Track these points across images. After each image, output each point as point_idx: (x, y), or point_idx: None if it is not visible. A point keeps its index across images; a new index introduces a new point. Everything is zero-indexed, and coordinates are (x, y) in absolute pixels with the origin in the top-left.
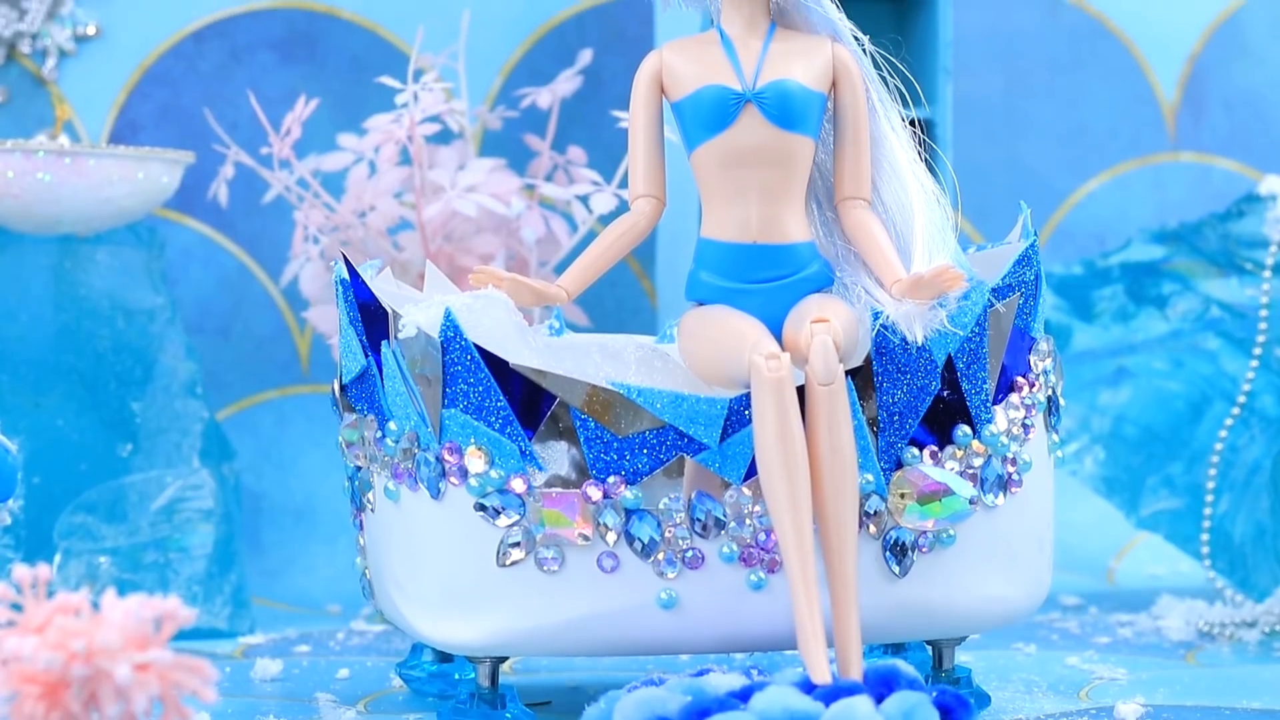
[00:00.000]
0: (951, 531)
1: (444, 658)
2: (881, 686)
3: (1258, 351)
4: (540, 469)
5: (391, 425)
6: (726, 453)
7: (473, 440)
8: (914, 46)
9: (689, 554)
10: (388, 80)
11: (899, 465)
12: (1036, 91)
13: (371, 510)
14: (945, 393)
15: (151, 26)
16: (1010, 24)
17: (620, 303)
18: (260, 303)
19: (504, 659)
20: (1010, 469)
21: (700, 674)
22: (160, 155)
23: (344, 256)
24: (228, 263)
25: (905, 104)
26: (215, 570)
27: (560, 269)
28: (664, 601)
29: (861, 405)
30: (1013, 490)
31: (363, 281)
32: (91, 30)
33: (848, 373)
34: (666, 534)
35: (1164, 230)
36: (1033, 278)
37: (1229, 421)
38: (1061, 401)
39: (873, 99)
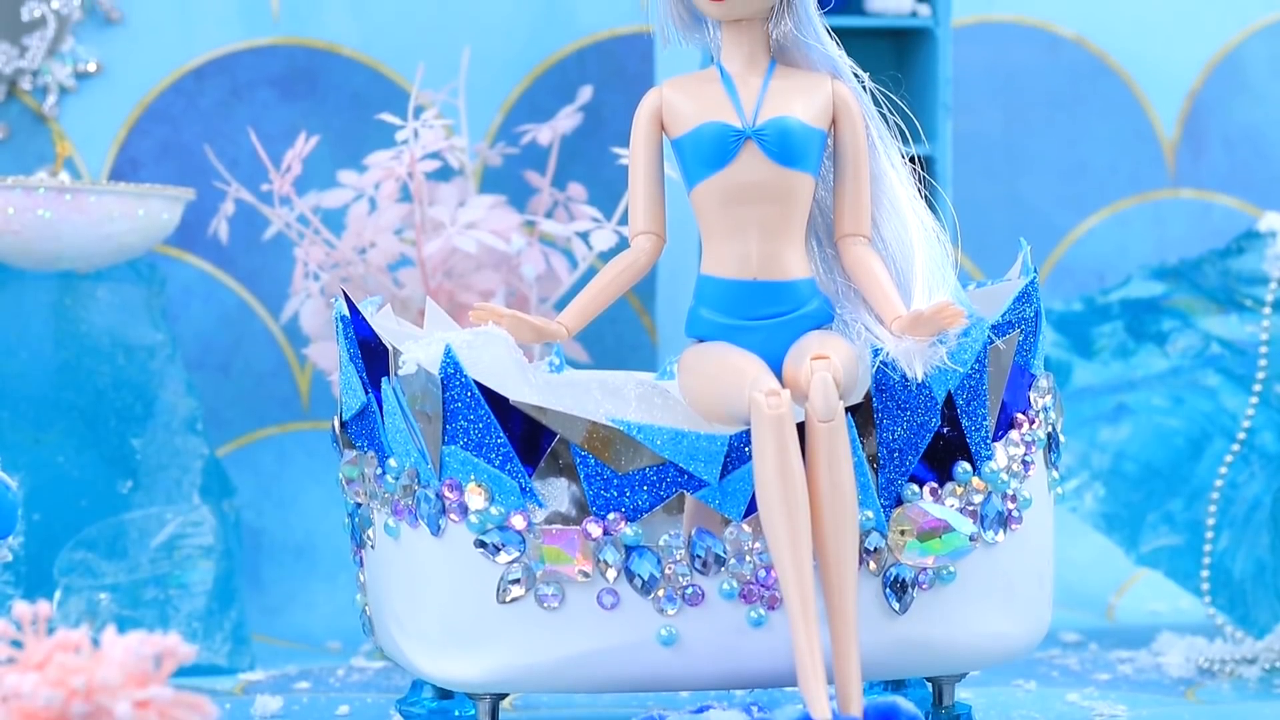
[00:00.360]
0: (952, 568)
1: (444, 694)
2: None
3: (1257, 388)
4: (540, 506)
5: (392, 462)
6: (727, 489)
7: (473, 477)
8: (914, 83)
9: (689, 591)
10: (388, 117)
11: (899, 502)
12: (1036, 128)
13: (372, 547)
14: (945, 429)
15: (152, 63)
16: (1010, 60)
17: (620, 339)
18: (260, 339)
19: (504, 696)
20: (1010, 506)
21: (701, 710)
22: (161, 192)
23: (344, 293)
24: (228, 299)
25: (905, 140)
26: (215, 607)
27: (560, 305)
28: (664, 638)
29: (861, 442)
30: (1013, 527)
31: (363, 318)
32: (92, 67)
33: (848, 409)
34: (667, 571)
35: (1164, 267)
36: (1032, 314)
37: (1229, 458)
38: (1061, 438)
39: (873, 136)
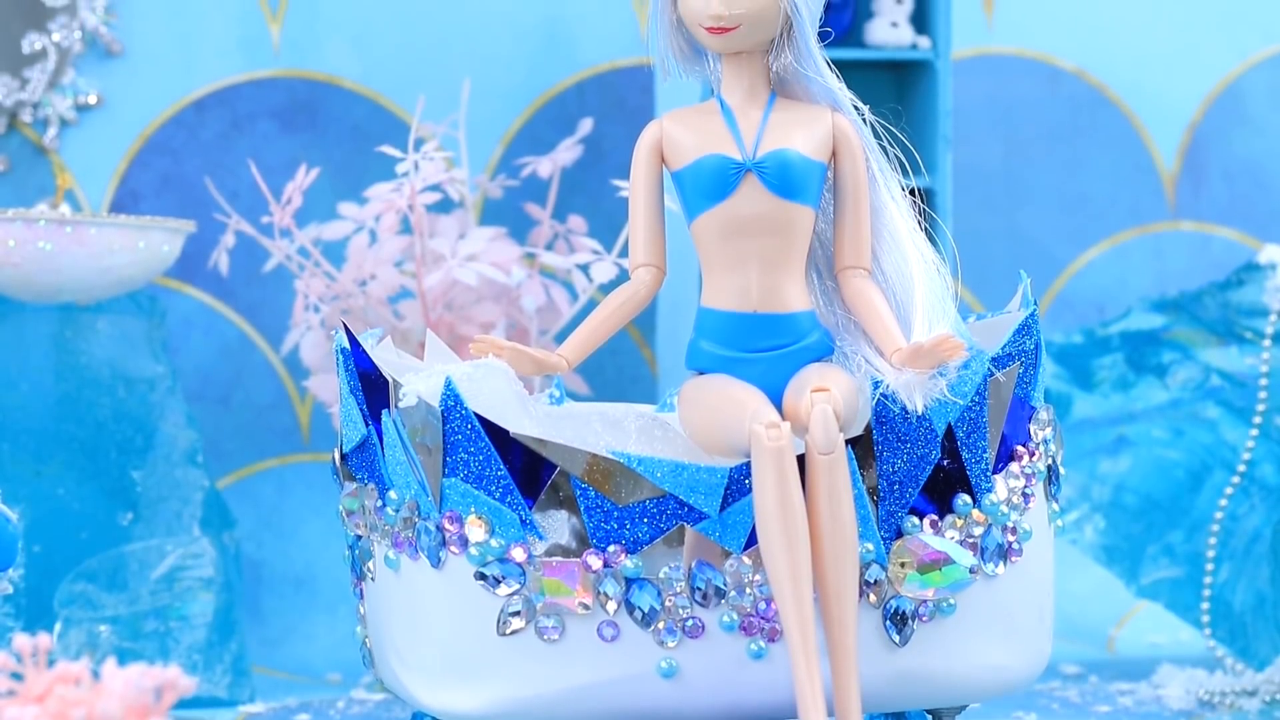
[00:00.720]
0: (952, 600)
1: None
2: None
3: (1258, 420)
4: (540, 538)
5: (392, 494)
6: (727, 522)
7: (473, 509)
8: (914, 116)
9: (689, 623)
10: (388, 149)
11: (899, 534)
12: (1036, 160)
13: (372, 579)
14: (945, 462)
15: (152, 96)
16: (1010, 93)
17: (620, 371)
18: (261, 371)
19: None
20: (1010, 538)
21: None
22: (161, 224)
23: (344, 325)
24: (228, 331)
25: (905, 173)
26: (215, 639)
27: (561, 338)
28: (664, 670)
29: (862, 474)
30: (1013, 559)
31: (363, 350)
32: (93, 99)
33: (848, 442)
34: (667, 603)
35: (1164, 299)
36: (1033, 347)
37: (1229, 490)
38: (1061, 470)
39: (873, 168)
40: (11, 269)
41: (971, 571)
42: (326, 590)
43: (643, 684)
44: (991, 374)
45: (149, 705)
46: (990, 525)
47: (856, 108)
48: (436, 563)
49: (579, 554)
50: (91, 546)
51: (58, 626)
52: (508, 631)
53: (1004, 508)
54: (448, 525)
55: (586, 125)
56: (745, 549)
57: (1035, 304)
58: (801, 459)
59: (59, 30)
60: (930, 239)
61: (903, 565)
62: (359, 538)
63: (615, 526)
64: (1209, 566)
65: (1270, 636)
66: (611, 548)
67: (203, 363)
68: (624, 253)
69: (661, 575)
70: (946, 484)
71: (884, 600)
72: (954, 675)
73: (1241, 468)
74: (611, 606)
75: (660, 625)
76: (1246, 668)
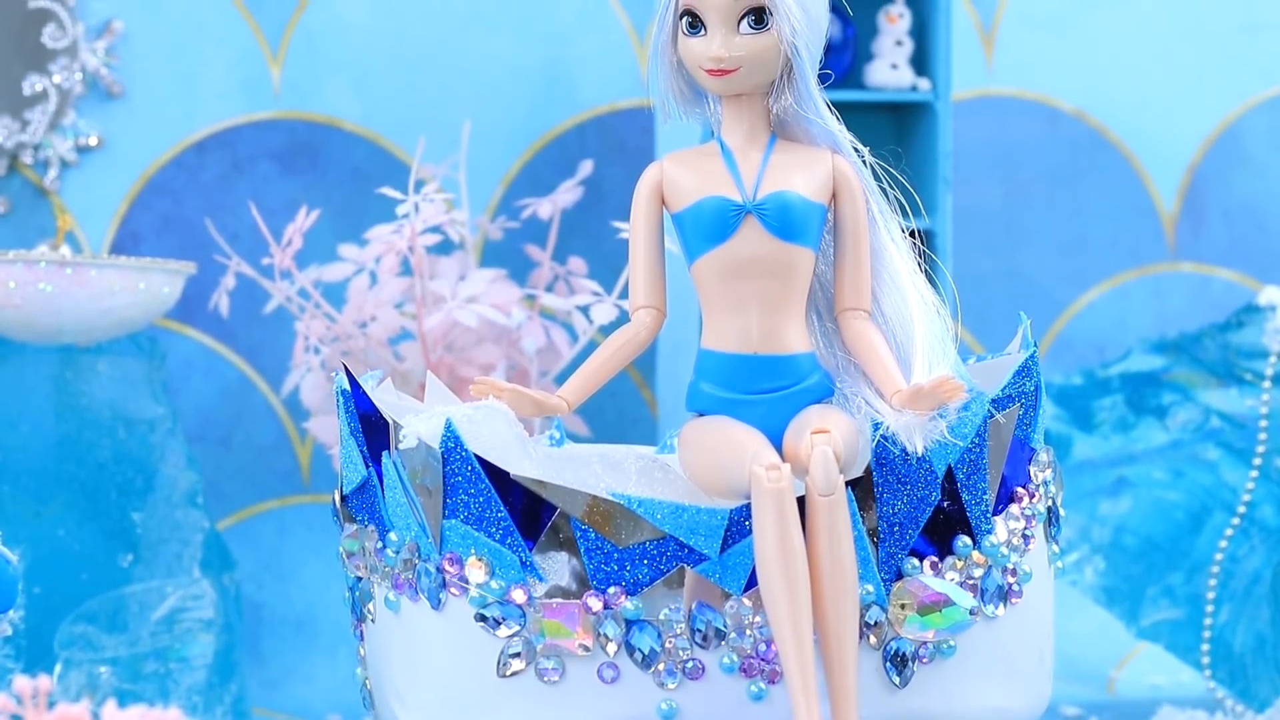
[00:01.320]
0: (952, 642)
1: None
2: None
3: (1258, 462)
4: (541, 579)
5: (392, 536)
6: (727, 563)
7: (473, 551)
8: (914, 157)
9: (689, 665)
10: (389, 191)
11: (899, 576)
12: (1036, 202)
13: (372, 620)
14: (945, 503)
15: (153, 137)
16: (1009, 135)
17: (621, 413)
18: (261, 413)
19: None
20: (1010, 579)
21: None
22: (162, 266)
23: (345, 367)
24: (229, 373)
25: (905, 215)
26: (216, 680)
27: (561, 379)
28: (665, 712)
29: (862, 516)
30: (1013, 601)
31: (364, 392)
32: (93, 141)
33: (848, 483)
34: (667, 645)
35: (1164, 340)
36: (1033, 388)
37: (1229, 532)
38: (1062, 512)
39: (873, 210)
40: (12, 310)
41: (972, 613)
42: (327, 632)
43: None
44: (991, 415)
45: None
46: (990, 567)
47: (856, 150)
48: (437, 604)
49: (579, 596)
50: (92, 588)
51: (58, 668)
52: (508, 673)
53: (1004, 549)
54: (448, 567)
55: (587, 167)
56: (745, 590)
57: (1035, 345)
58: (802, 501)
59: (60, 72)
60: (930, 280)
61: (903, 607)
62: (359, 579)
63: (615, 568)
64: (1209, 608)
65: (1271, 678)
66: (612, 589)
67: (203, 404)
68: (624, 294)
69: (662, 617)
70: (947, 526)
71: (884, 642)
72: (954, 717)
73: (1241, 509)
74: (612, 648)
75: (660, 667)
76: (1247, 709)
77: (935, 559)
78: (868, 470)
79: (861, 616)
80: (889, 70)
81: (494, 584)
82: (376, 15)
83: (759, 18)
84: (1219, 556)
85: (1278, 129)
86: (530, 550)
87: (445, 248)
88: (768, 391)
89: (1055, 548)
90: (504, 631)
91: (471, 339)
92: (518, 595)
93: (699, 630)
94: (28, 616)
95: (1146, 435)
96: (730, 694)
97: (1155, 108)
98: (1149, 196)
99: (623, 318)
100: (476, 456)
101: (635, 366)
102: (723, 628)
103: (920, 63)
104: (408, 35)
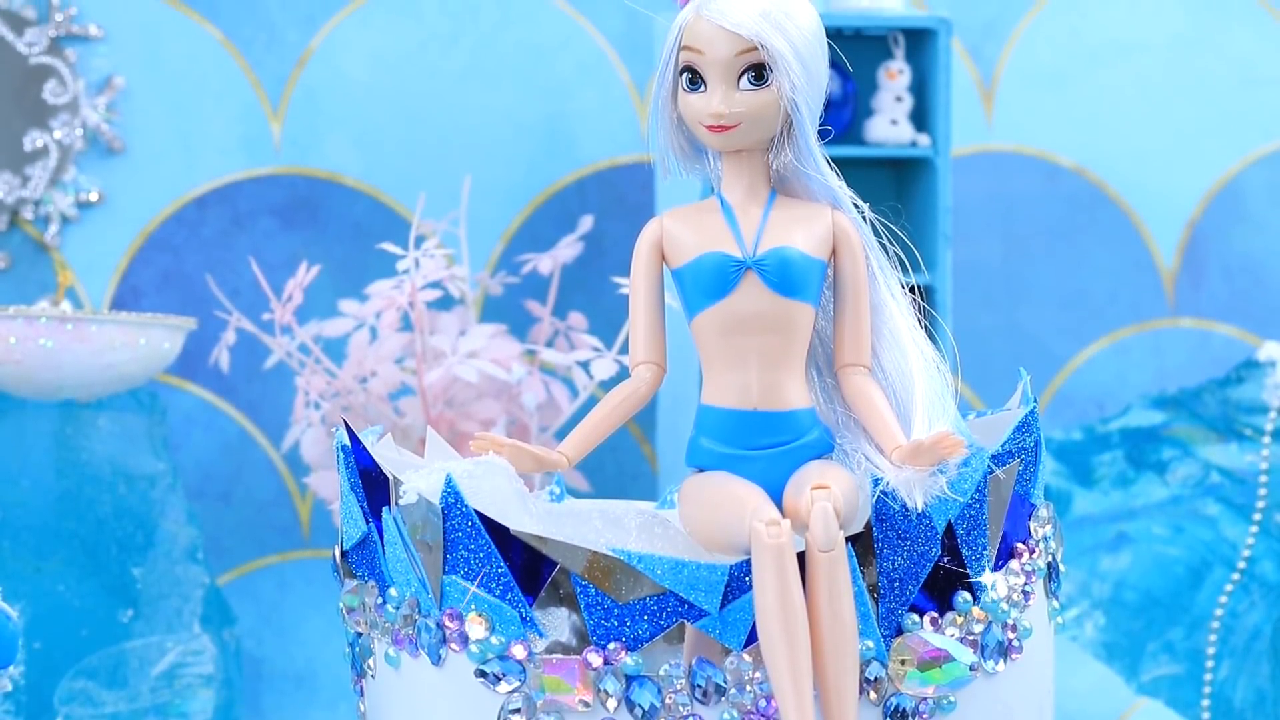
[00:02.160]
0: (952, 698)
1: None
2: None
3: (1257, 517)
4: (541, 635)
5: (392, 591)
6: (727, 619)
7: (473, 606)
8: (913, 213)
9: None
10: (389, 246)
11: (899, 631)
12: (1035, 257)
13: (372, 676)
14: (945, 559)
15: (154, 192)
16: (1009, 190)
17: (621, 468)
18: (261, 468)
19: None
20: (1011, 635)
21: None
22: (162, 321)
23: (345, 422)
24: (229, 428)
25: (905, 270)
26: None
27: (561, 434)
28: None
29: (862, 571)
30: (1013, 656)
31: (364, 447)
32: (94, 196)
33: (848, 539)
34: (667, 700)
35: (1163, 396)
36: (1032, 444)
37: (1229, 587)
38: (1062, 567)
39: (873, 266)
40: (13, 366)
41: (972, 669)
42: (327, 687)
43: None
44: (991, 471)
45: None
46: (990, 622)
47: (856, 205)
48: (437, 660)
49: (579, 651)
50: (92, 643)
51: None
52: None
53: (1004, 605)
54: (448, 622)
55: (587, 222)
56: (746, 646)
57: (1035, 401)
58: (802, 556)
59: (61, 128)
60: (930, 336)
61: (903, 663)
62: (359, 635)
63: (616, 624)
64: (1209, 663)
65: None
66: (612, 645)
67: (203, 459)
68: (624, 350)
69: (662, 672)
70: (947, 581)
71: (884, 698)
72: None
73: (1241, 564)
74: (612, 704)
75: None
76: None
77: (935, 614)
78: (868, 526)
79: (861, 672)
80: (889, 126)
81: (494, 639)
82: (377, 71)
83: (759, 74)
84: (1219, 612)
85: (1277, 184)
86: (530, 606)
87: (446, 303)
88: (768, 447)
89: (1055, 603)
90: (504, 687)
91: (472, 394)
92: (518, 651)
93: (699, 686)
94: (28, 672)
95: (1146, 490)
96: None
97: (1155, 163)
98: (1148, 252)
99: (623, 373)
100: (477, 512)
101: (635, 422)
102: (723, 683)
103: (920, 118)
104: (408, 91)
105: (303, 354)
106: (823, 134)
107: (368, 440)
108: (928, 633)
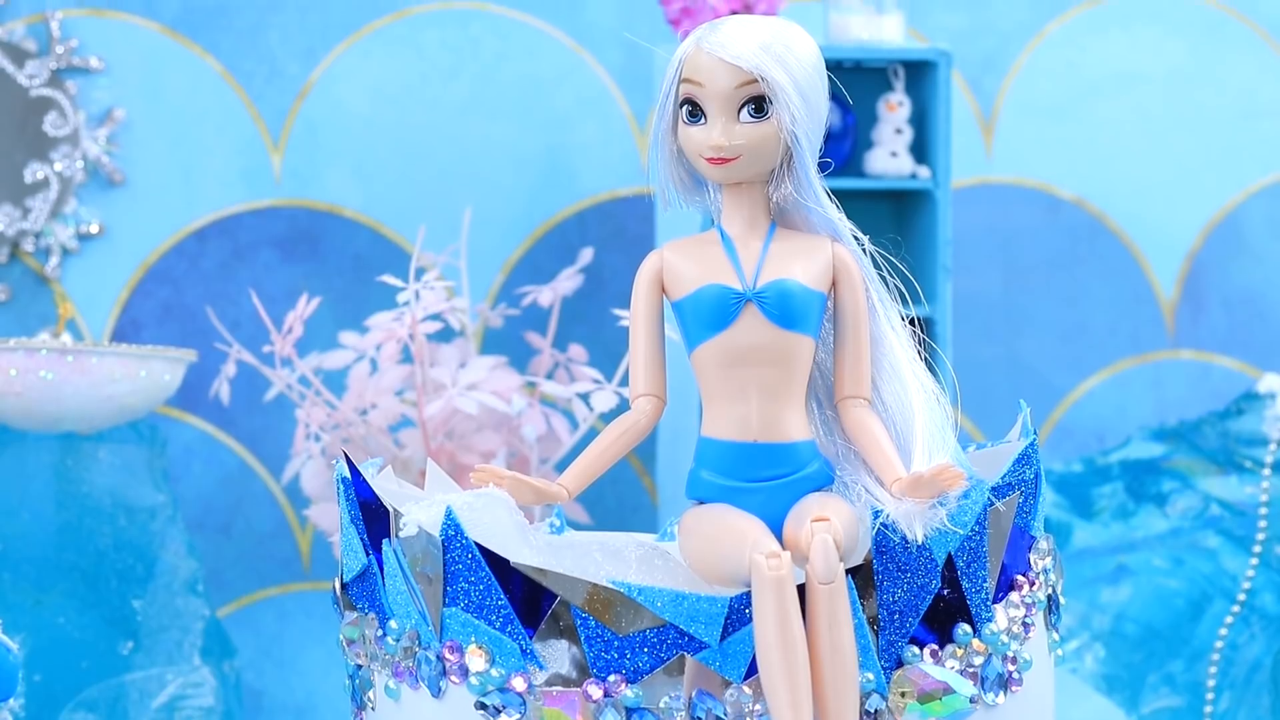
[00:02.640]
0: None
1: None
2: None
3: (1258, 549)
4: (541, 667)
5: (392, 623)
6: (727, 651)
7: (473, 638)
8: (913, 245)
9: None
10: (389, 278)
11: (899, 664)
12: (1035, 289)
13: (372, 709)
14: (945, 591)
15: (154, 225)
16: (1009, 222)
17: (621, 500)
18: (262, 500)
19: None
20: (1011, 667)
21: None
22: (162, 353)
23: (345, 454)
24: (229, 460)
25: (905, 302)
26: None
27: (561, 467)
28: None
29: (862, 603)
30: (1013, 689)
31: (364, 479)
32: (94, 229)
33: (848, 571)
34: None
35: (1163, 428)
36: (1032, 476)
37: (1229, 619)
38: (1062, 600)
39: (873, 298)
40: (13, 398)
41: (972, 701)
42: (327, 719)
43: None
44: (991, 503)
45: None
46: (990, 655)
47: (856, 238)
48: (437, 692)
49: (579, 683)
50: (92, 675)
51: None
52: None
53: (1004, 637)
54: (448, 655)
55: (587, 254)
56: (746, 678)
57: (1035, 433)
58: (802, 588)
59: (61, 160)
60: (930, 368)
61: (903, 695)
62: (359, 667)
63: (616, 656)
64: (1209, 696)
65: None
66: (612, 677)
67: (204, 491)
68: (624, 382)
69: (662, 705)
70: (947, 613)
71: None
72: None
73: (1242, 596)
74: None
75: None
76: None
77: (935, 647)
78: (868, 558)
79: (861, 704)
80: (889, 158)
81: (494, 672)
82: (377, 103)
83: (759, 106)
84: (1219, 644)
85: (1277, 216)
86: (530, 638)
87: (446, 335)
88: (768, 479)
89: (1055, 635)
90: (504, 719)
91: (472, 426)
92: (518, 683)
93: (699, 718)
94: (28, 704)
95: (1146, 522)
96: None
97: (1155, 195)
98: (1148, 284)
99: (623, 405)
100: (477, 544)
101: (635, 454)
102: (723, 715)
103: (920, 150)
104: (408, 123)
105: (303, 386)
106: (823, 166)
107: (368, 472)
108: (928, 665)
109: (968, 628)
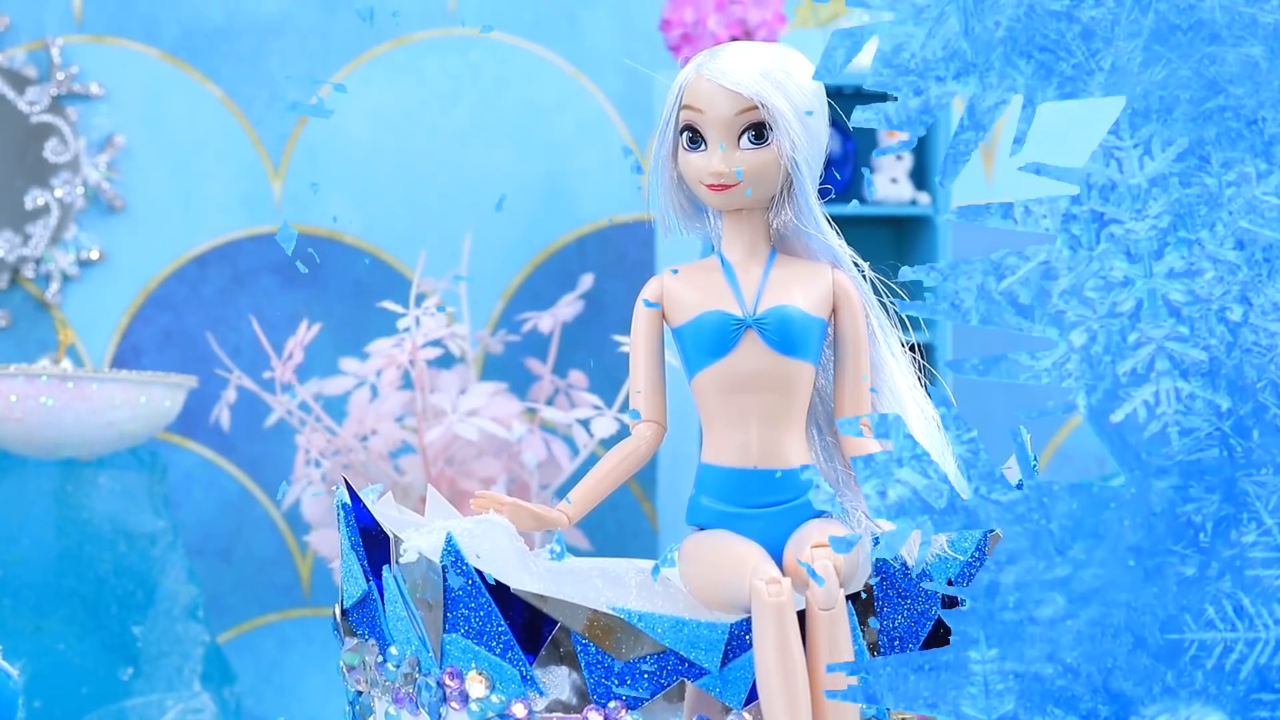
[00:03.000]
0: None
1: None
2: None
3: None
4: (541, 694)
5: (393, 650)
6: (727, 677)
7: (474, 665)
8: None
9: None
10: (390, 305)
11: None
12: None
13: None
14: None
15: (154, 251)
16: (1007, 247)
17: (621, 526)
18: (262, 526)
19: None
20: None
21: None
22: (162, 379)
23: (345, 481)
24: (229, 486)
25: (905, 329)
26: None
27: (561, 492)
28: None
29: (862, 630)
30: None
31: (364, 506)
32: (95, 255)
33: (848, 597)
34: None
35: None
36: None
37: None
38: None
39: (873, 324)
40: (14, 424)
41: None
42: None
43: None
44: (991, 530)
45: None
46: None
47: (856, 264)
48: (437, 718)
49: (580, 709)
50: (92, 701)
51: None
52: None
53: None
54: (448, 681)
55: (587, 281)
56: (746, 704)
57: (1035, 459)
58: (802, 615)
59: (62, 186)
60: (929, 394)
61: None
62: (360, 693)
63: (616, 682)
64: None
65: None
66: (612, 703)
67: (204, 517)
68: (625, 408)
69: None
70: (947, 640)
71: None
72: None
73: None
74: None
75: None
76: None
77: None
78: (868, 585)
79: None
80: (889, 184)
81: (494, 698)
82: (377, 130)
83: (759, 133)
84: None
85: None
86: (531, 664)
87: (446, 361)
88: (768, 505)
89: None
90: None
91: (472, 452)
92: (518, 709)
93: None
94: None
95: None
96: None
97: None
98: None
99: (623, 431)
100: (477, 570)
101: (636, 480)
102: None
103: (920, 177)
104: (408, 150)
105: (303, 412)
106: (823, 193)
107: (368, 498)
108: None
109: None
